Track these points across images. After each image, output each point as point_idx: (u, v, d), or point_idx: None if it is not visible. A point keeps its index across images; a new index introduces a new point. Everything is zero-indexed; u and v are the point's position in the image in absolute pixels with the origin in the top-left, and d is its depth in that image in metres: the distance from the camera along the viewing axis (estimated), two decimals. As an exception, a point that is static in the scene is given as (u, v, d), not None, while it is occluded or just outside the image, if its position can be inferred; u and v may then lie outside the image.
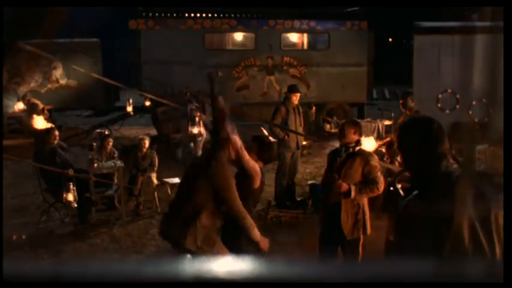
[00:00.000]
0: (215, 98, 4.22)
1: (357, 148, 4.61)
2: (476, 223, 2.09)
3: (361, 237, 4.59)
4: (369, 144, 5.16)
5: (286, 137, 7.77)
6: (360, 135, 4.71)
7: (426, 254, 2.03)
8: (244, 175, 4.03)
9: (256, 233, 3.86)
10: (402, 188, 3.13)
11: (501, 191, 2.11)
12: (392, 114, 13.27)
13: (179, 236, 3.92)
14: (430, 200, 2.11)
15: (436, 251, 2.04)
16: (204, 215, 3.87)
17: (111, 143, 8.28)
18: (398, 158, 6.70)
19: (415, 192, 2.20)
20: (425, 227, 2.08)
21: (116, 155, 8.18)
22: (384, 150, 7.63)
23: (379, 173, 4.55)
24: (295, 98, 7.91)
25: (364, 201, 4.61)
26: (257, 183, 4.12)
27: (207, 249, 3.91)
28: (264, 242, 3.92)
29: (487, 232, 2.08)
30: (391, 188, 3.27)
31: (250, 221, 3.86)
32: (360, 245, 4.61)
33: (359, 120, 6.45)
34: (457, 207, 2.05)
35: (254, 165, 4.10)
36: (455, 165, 2.23)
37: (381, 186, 4.52)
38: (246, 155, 4.01)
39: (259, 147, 4.33)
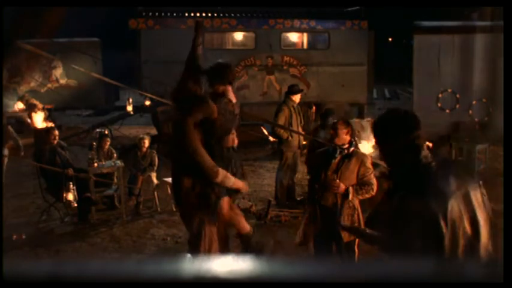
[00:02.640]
0: (196, 49, 4.34)
1: (351, 149, 4.61)
2: (462, 211, 2.15)
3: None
4: (365, 148, 5.15)
5: (289, 137, 7.79)
6: (352, 136, 4.71)
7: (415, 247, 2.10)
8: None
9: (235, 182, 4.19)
10: None
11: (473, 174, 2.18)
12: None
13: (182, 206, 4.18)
14: (413, 194, 2.15)
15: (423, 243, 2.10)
16: (185, 180, 4.16)
17: (108, 143, 8.29)
18: None
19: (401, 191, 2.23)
20: (415, 220, 2.12)
21: (114, 155, 8.19)
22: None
23: (372, 175, 4.56)
24: (297, 98, 7.93)
25: (357, 203, 4.61)
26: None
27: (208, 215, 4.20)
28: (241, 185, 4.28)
29: (471, 217, 2.16)
30: None
31: (220, 175, 4.08)
32: (355, 246, 4.61)
33: (359, 120, 6.47)
34: (436, 198, 2.12)
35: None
36: (430, 156, 2.26)
37: (375, 188, 4.54)
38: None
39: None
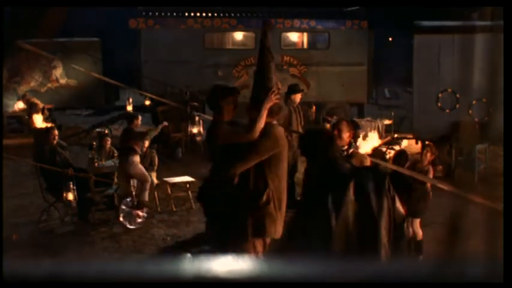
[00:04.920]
0: (266, 53, 4.10)
1: (351, 150, 4.59)
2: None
3: None
4: (372, 140, 5.13)
5: (289, 137, 7.77)
6: (351, 137, 4.70)
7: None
8: None
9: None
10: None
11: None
12: (392, 114, 13.29)
13: None
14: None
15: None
16: None
17: (109, 142, 8.28)
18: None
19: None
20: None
21: (115, 154, 8.18)
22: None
23: None
24: (297, 98, 7.93)
25: None
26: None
27: None
28: None
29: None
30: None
31: None
32: None
33: (359, 120, 6.46)
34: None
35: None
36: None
37: None
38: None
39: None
